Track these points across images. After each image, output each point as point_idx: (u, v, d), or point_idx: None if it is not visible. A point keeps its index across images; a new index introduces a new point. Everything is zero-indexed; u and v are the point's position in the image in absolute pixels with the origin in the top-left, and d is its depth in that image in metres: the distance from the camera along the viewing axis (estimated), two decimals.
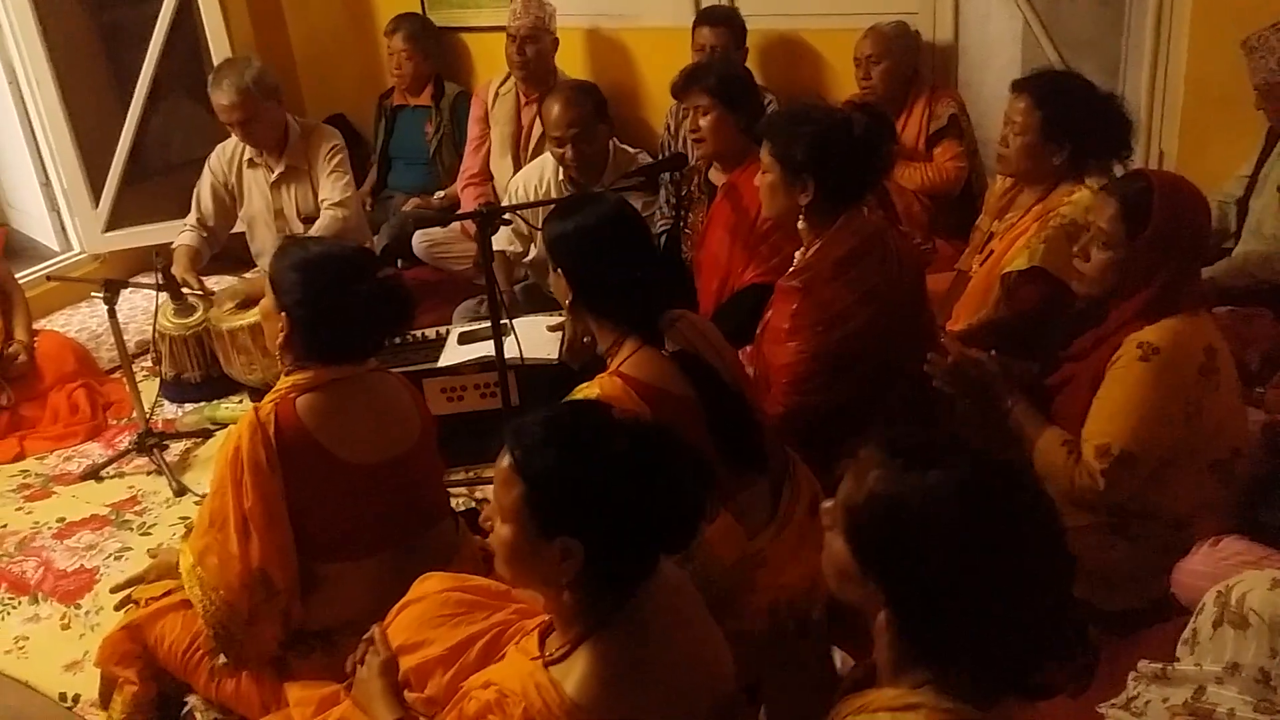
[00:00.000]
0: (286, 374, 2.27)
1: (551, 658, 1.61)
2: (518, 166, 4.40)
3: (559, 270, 2.25)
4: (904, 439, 1.36)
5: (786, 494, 2.33)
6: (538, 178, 3.73)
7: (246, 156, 4.05)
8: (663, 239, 3.98)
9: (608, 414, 1.62)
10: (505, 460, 1.55)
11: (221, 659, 2.26)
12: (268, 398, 2.23)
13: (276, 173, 4.01)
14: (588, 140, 3.54)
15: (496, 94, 4.54)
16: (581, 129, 3.51)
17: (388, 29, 4.83)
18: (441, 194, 4.80)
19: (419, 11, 4.94)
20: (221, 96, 3.82)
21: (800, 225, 2.58)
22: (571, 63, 4.66)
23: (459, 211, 4.37)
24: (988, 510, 1.27)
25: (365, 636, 2.05)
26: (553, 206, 2.52)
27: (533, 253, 3.85)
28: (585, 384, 2.19)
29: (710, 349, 2.29)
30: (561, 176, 3.66)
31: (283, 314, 2.22)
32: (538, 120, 4.39)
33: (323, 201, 3.96)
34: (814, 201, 2.53)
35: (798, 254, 2.68)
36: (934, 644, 1.29)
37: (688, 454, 1.58)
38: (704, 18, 4.14)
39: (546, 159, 3.76)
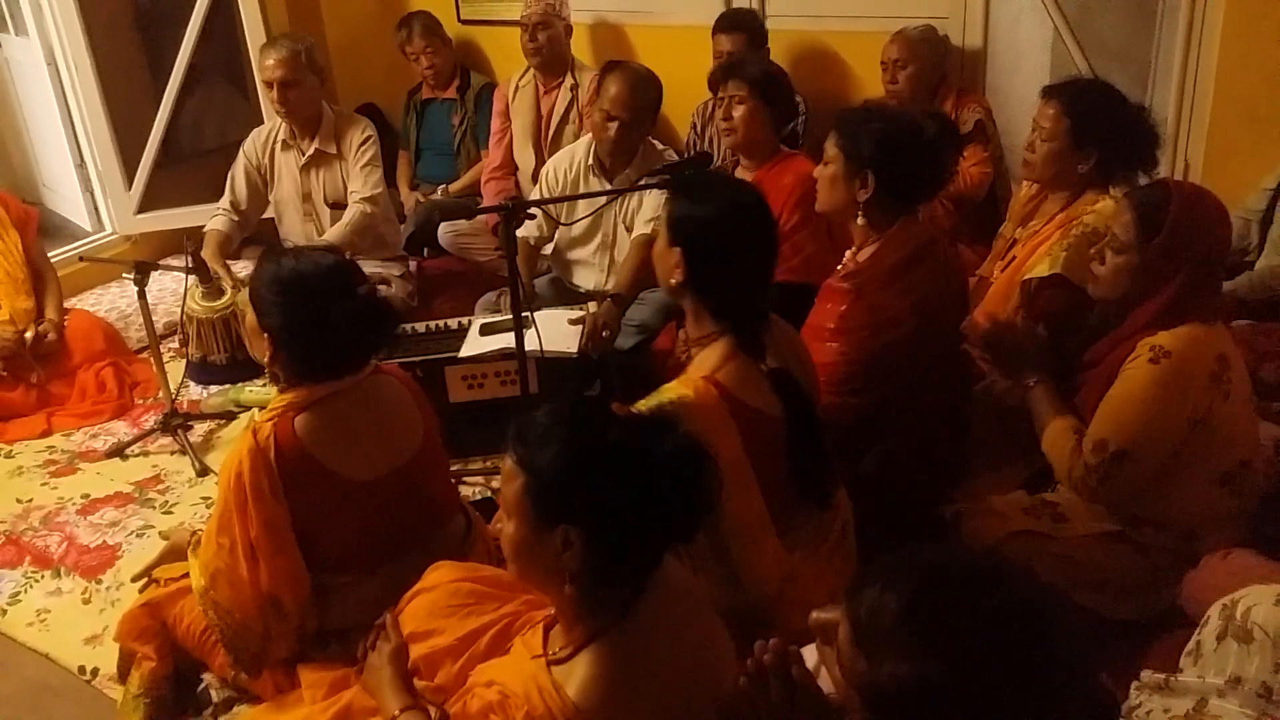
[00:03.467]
0: (280, 391, 2.23)
1: (555, 657, 1.62)
2: (539, 154, 4.44)
3: (676, 248, 2.14)
4: (904, 601, 1.22)
5: (827, 516, 2.29)
6: (568, 161, 3.76)
7: (280, 139, 4.10)
8: None
9: (606, 408, 1.63)
10: (508, 457, 1.57)
11: (242, 675, 2.29)
12: (264, 416, 2.18)
13: (306, 155, 4.06)
14: (635, 127, 3.54)
15: (516, 87, 4.60)
16: (634, 115, 3.52)
17: (400, 35, 4.87)
18: (452, 184, 4.87)
19: (427, 9, 4.98)
20: (271, 55, 3.90)
21: (859, 223, 2.56)
22: (599, 58, 4.69)
23: (483, 205, 4.40)
24: (1021, 670, 1.17)
25: (377, 622, 2.08)
26: (682, 181, 2.40)
27: (555, 241, 3.88)
28: (674, 383, 2.09)
29: (798, 365, 2.23)
30: (590, 160, 3.68)
31: (265, 334, 2.19)
32: (557, 107, 4.45)
33: (352, 194, 4.01)
34: (872, 199, 2.50)
35: (848, 254, 2.66)
36: None
37: (686, 443, 1.58)
38: (719, 24, 4.18)
39: (578, 144, 3.78)
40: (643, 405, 1.99)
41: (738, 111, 3.32)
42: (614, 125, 3.53)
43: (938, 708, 1.18)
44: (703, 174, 2.88)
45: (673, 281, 2.16)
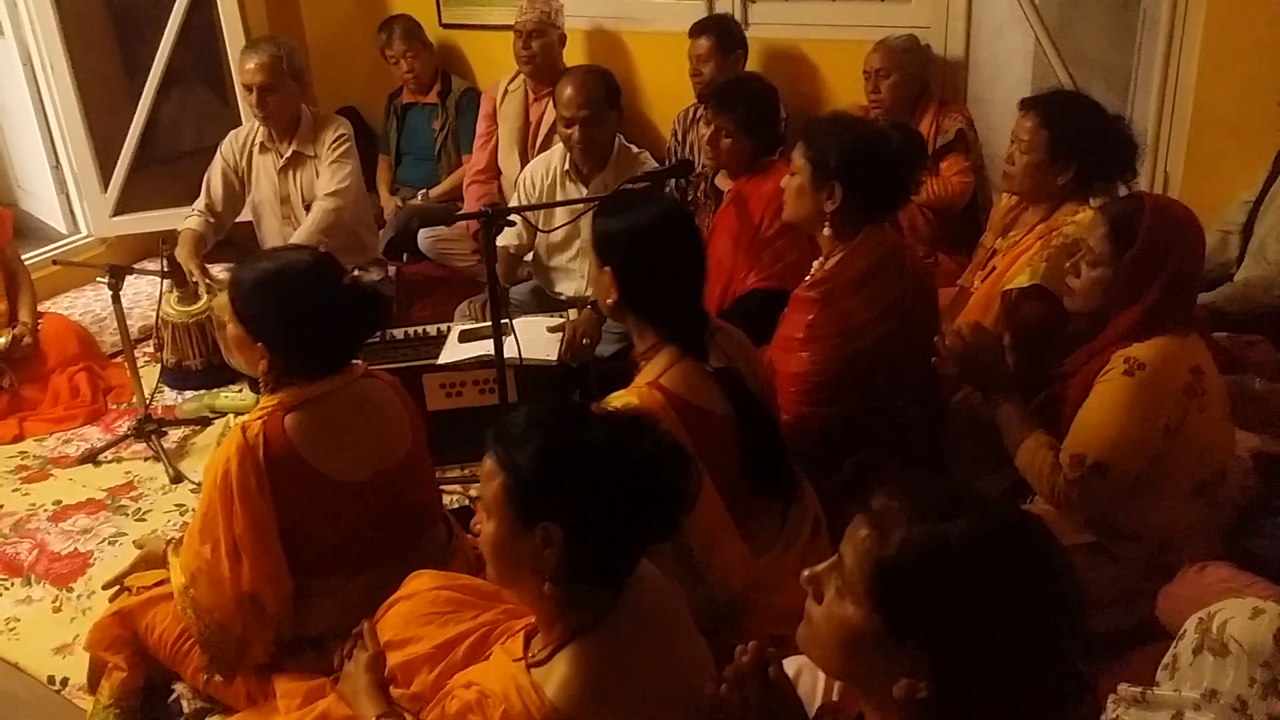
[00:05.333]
0: (270, 392, 2.22)
1: (534, 659, 1.62)
2: (524, 160, 4.41)
3: (606, 268, 2.18)
4: (916, 490, 1.29)
5: (794, 515, 2.32)
6: (544, 169, 3.75)
7: (258, 141, 4.07)
8: None
9: (586, 409, 1.65)
10: (488, 457, 1.59)
11: (217, 677, 2.26)
12: (254, 414, 2.18)
13: (285, 158, 4.03)
14: (596, 124, 3.54)
15: (505, 91, 4.58)
16: (591, 111, 3.52)
17: (380, 38, 4.85)
18: (433, 189, 4.86)
19: (408, 12, 4.96)
20: (251, 59, 3.86)
21: (825, 233, 2.58)
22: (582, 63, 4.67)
23: (463, 210, 4.38)
24: (1025, 557, 1.23)
25: (354, 630, 2.07)
26: (604, 201, 2.45)
27: (535, 250, 3.86)
28: (621, 392, 2.13)
29: (746, 364, 2.26)
30: (567, 166, 3.68)
31: (259, 344, 2.17)
32: (546, 115, 4.42)
33: (318, 190, 3.98)
34: (839, 209, 2.52)
35: (815, 264, 2.67)
36: (968, 713, 1.23)
37: (666, 443, 1.60)
38: (692, 29, 4.20)
39: (554, 151, 3.78)
40: None
41: (723, 143, 3.31)
42: (575, 128, 3.53)
43: (945, 569, 1.20)
44: (621, 192, 2.93)
45: (609, 301, 2.19)
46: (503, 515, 1.57)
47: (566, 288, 3.81)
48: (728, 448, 2.17)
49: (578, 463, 1.54)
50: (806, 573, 1.36)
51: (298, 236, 3.89)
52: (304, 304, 2.14)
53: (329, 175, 3.98)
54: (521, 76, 4.54)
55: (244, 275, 2.20)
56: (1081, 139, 2.74)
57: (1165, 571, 2.23)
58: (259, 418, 2.16)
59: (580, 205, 3.52)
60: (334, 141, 4.00)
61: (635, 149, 3.74)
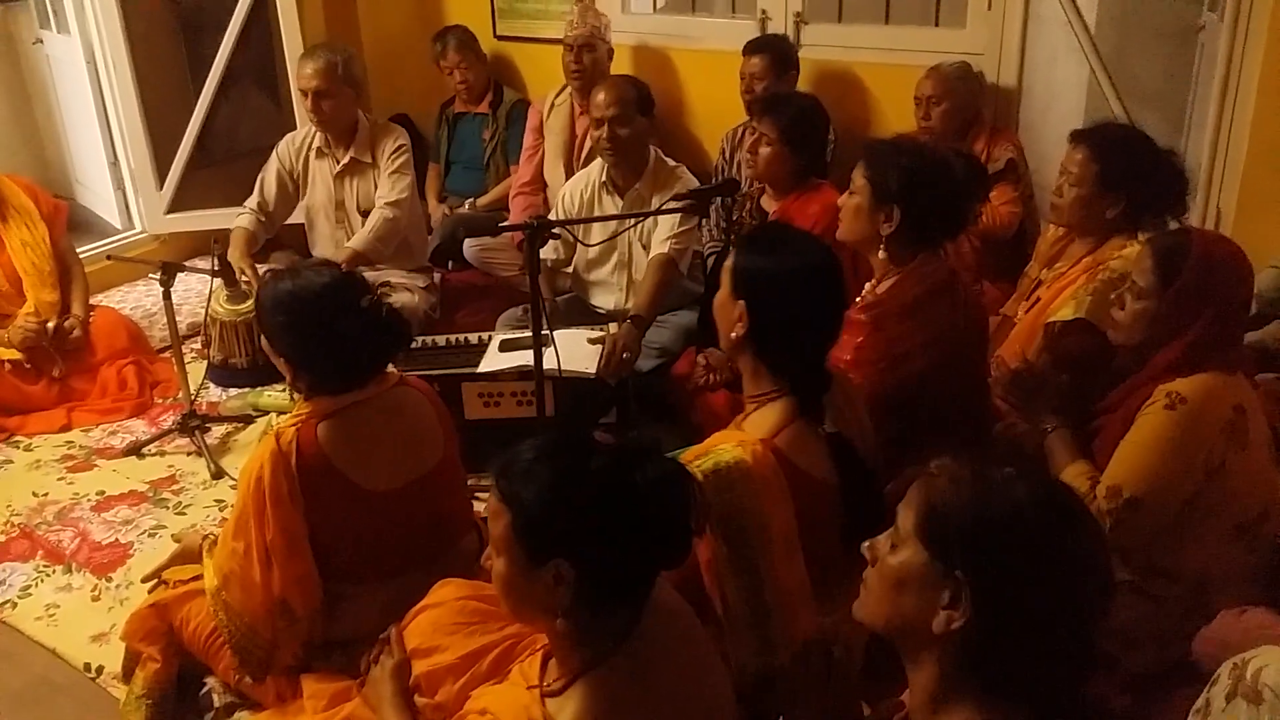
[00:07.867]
0: (305, 400, 2.26)
1: (549, 689, 1.60)
2: (570, 173, 4.44)
3: (740, 301, 2.05)
4: (968, 455, 1.39)
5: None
6: (584, 182, 3.78)
7: (315, 146, 4.13)
8: (710, 261, 4.00)
9: (590, 439, 1.61)
10: (492, 494, 1.56)
11: (248, 678, 2.29)
12: (288, 420, 2.22)
13: (341, 164, 4.08)
14: (623, 123, 3.56)
15: (552, 104, 4.62)
16: (619, 110, 3.55)
17: (435, 49, 4.90)
18: (480, 198, 4.90)
19: (464, 24, 5.00)
20: (308, 64, 3.94)
21: (879, 256, 2.55)
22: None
23: (508, 221, 4.42)
24: (1062, 509, 1.30)
25: (381, 636, 2.08)
26: (753, 232, 2.33)
27: (574, 263, 3.88)
28: (729, 441, 1.98)
29: (857, 424, 2.16)
30: (604, 179, 3.70)
31: (281, 358, 2.23)
32: (592, 129, 4.46)
33: (378, 199, 4.03)
34: (896, 233, 2.50)
35: (867, 286, 2.65)
36: (1000, 654, 1.29)
37: (671, 469, 1.57)
38: (747, 46, 4.21)
39: (593, 166, 3.80)
40: (698, 464, 1.89)
41: (762, 151, 3.34)
42: (604, 127, 3.57)
43: (987, 502, 1.30)
44: (772, 226, 2.84)
45: (733, 335, 2.07)
46: (512, 554, 1.52)
47: (605, 301, 3.83)
48: (827, 516, 2.06)
49: (585, 497, 1.49)
50: (867, 543, 1.42)
51: (355, 241, 3.94)
52: (317, 325, 2.17)
53: (389, 185, 4.03)
54: (568, 90, 4.57)
55: (265, 293, 2.25)
56: (1131, 173, 2.71)
57: (1203, 613, 2.19)
58: (293, 424, 2.19)
59: (617, 219, 3.55)
60: (394, 151, 4.06)
61: (672, 163, 3.75)
